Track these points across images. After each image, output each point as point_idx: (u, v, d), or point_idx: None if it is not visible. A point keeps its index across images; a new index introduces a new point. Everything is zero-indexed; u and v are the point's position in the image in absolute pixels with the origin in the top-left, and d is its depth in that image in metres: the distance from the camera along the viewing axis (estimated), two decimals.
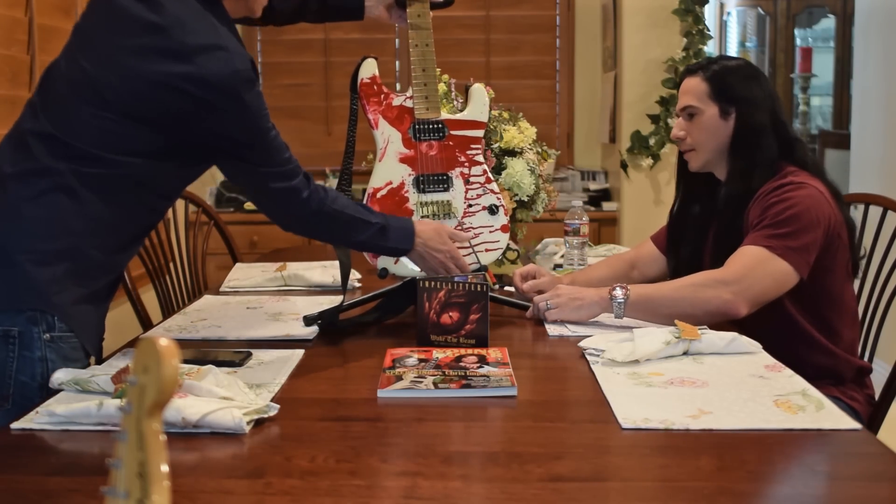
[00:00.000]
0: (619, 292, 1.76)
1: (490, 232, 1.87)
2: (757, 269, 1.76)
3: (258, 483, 1.08)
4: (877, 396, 1.92)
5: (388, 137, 1.83)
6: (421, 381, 1.44)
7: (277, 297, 2.16)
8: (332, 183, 4.48)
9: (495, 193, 1.87)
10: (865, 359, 2.04)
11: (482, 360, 1.55)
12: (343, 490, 1.06)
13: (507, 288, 2.18)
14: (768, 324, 1.79)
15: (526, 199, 2.25)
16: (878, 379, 1.94)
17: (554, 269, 2.42)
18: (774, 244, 1.78)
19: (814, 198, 1.82)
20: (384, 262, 1.83)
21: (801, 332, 1.86)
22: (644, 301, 1.76)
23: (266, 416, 1.28)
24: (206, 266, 2.78)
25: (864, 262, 2.04)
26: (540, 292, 1.91)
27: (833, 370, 1.86)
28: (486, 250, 1.87)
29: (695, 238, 2.03)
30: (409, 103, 1.83)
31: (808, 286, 1.82)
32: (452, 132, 1.85)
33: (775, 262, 1.77)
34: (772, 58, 6.55)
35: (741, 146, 1.93)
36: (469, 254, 1.85)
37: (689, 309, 1.72)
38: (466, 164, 1.85)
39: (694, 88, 1.97)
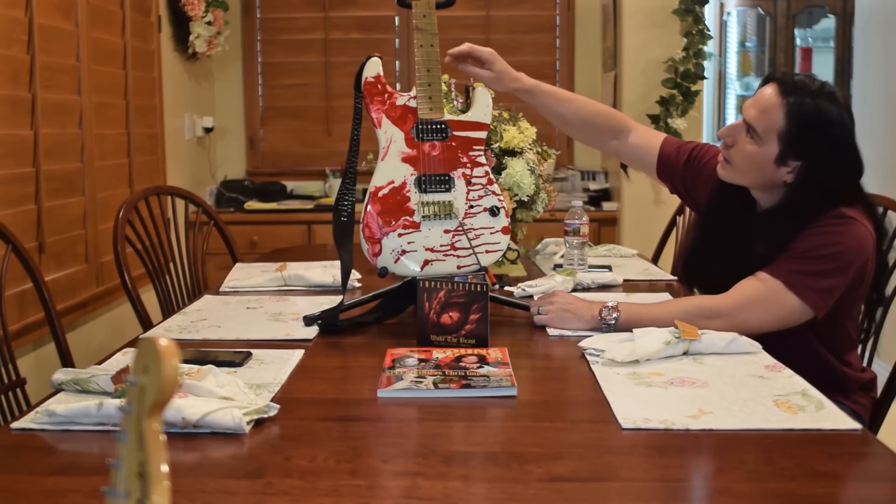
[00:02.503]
0: (609, 314, 1.75)
1: (491, 233, 1.87)
2: (759, 303, 1.70)
3: (258, 483, 1.08)
4: (878, 396, 1.92)
5: (391, 137, 1.83)
6: (421, 381, 1.44)
7: (277, 297, 2.16)
8: (334, 182, 4.48)
9: (497, 195, 1.87)
10: (865, 360, 2.04)
11: (482, 360, 1.55)
12: (343, 490, 1.06)
13: (507, 288, 2.18)
14: (787, 349, 1.67)
15: (526, 199, 2.25)
16: (879, 379, 1.94)
17: (554, 268, 2.42)
18: (795, 280, 1.69)
19: (860, 239, 1.70)
20: (384, 261, 1.83)
21: (819, 360, 1.80)
22: (634, 324, 1.70)
23: (266, 416, 1.28)
24: (206, 266, 2.77)
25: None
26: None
27: (841, 387, 1.83)
28: (487, 252, 1.87)
29: (732, 214, 1.90)
30: (412, 103, 1.83)
31: (829, 326, 1.76)
32: (455, 133, 1.85)
33: (785, 298, 1.69)
34: (772, 58, 6.55)
35: (794, 199, 1.76)
36: (469, 254, 1.86)
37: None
38: (468, 165, 1.85)
39: (767, 112, 1.73)
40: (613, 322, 1.75)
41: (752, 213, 1.88)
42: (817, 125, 1.70)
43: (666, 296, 2.09)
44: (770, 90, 1.75)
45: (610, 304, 1.77)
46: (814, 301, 1.70)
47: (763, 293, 1.71)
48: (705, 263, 1.98)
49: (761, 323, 1.71)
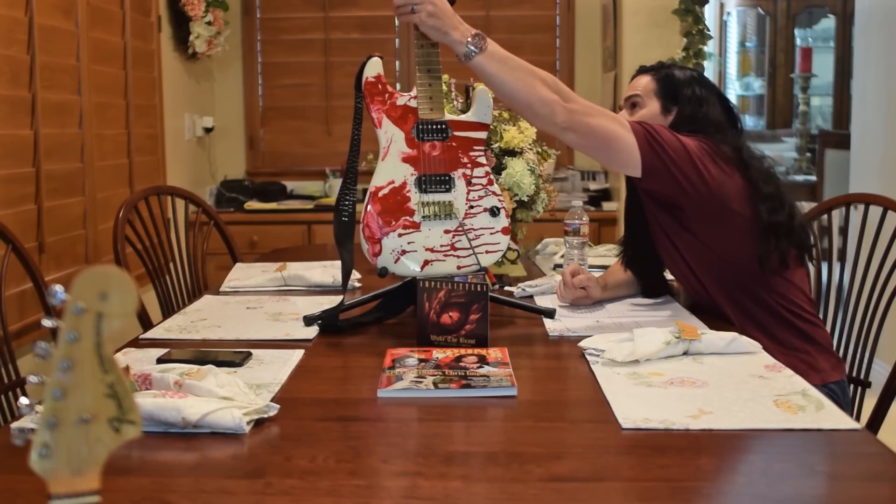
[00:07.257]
0: (475, 43, 1.79)
1: (491, 234, 1.87)
2: (603, 115, 1.79)
3: (258, 483, 1.08)
4: (878, 396, 1.92)
5: (392, 137, 1.83)
6: (421, 381, 1.44)
7: (277, 297, 2.16)
8: (334, 182, 4.48)
9: (497, 195, 1.87)
10: (865, 359, 2.05)
11: (482, 360, 1.55)
12: (343, 490, 1.06)
13: (507, 288, 2.18)
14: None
15: (526, 199, 2.25)
16: (878, 379, 1.94)
17: (554, 268, 2.41)
18: (636, 127, 1.81)
19: (703, 153, 1.83)
20: (384, 261, 1.83)
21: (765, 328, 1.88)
22: (499, 60, 1.77)
23: (266, 416, 1.28)
24: (206, 266, 2.78)
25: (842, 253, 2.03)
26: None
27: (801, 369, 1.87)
28: (487, 252, 1.87)
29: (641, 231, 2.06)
30: (413, 103, 1.83)
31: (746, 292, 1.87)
32: (456, 133, 1.85)
33: (620, 130, 1.79)
34: (772, 58, 6.55)
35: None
36: (469, 255, 1.85)
37: (524, 90, 1.75)
38: (469, 165, 1.85)
39: (642, 84, 2.05)
40: (476, 50, 1.77)
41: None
42: (681, 76, 2.05)
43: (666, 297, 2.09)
44: (635, 77, 2.10)
45: (480, 34, 1.79)
46: (642, 144, 1.79)
47: (609, 115, 1.82)
48: (641, 259, 2.09)
49: (593, 126, 1.78)
